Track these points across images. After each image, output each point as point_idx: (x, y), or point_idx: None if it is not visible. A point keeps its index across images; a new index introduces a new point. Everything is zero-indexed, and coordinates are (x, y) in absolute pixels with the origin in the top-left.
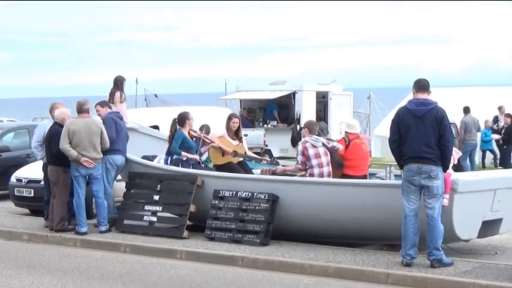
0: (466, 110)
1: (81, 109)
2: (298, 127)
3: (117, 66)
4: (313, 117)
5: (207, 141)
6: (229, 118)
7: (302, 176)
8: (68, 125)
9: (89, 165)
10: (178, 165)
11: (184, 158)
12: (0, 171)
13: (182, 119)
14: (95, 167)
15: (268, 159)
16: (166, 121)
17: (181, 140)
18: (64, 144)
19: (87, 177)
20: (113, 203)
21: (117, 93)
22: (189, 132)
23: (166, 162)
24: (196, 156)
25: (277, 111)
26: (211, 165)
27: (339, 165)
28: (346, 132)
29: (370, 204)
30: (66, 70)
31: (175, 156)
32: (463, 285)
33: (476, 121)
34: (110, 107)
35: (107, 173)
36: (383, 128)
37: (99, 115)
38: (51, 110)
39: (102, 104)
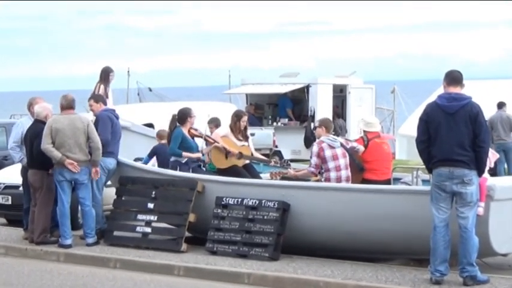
0: (500, 106)
1: (67, 104)
2: (312, 125)
3: (105, 55)
4: (330, 114)
5: (210, 140)
6: (237, 116)
7: (317, 181)
8: (51, 123)
9: (74, 169)
10: (176, 169)
11: (184, 160)
12: None
13: (183, 116)
14: (82, 170)
15: (278, 161)
16: (162, 118)
17: (180, 139)
18: (46, 144)
19: (72, 182)
20: (102, 212)
21: (99, 86)
22: (189, 131)
23: (146, 164)
24: (199, 154)
25: (291, 108)
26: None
27: (360, 168)
28: (364, 131)
29: (394, 214)
30: (46, 60)
31: (173, 158)
32: None
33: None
34: (105, 103)
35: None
36: (409, 127)
37: (93, 112)
38: (30, 106)
39: (96, 98)
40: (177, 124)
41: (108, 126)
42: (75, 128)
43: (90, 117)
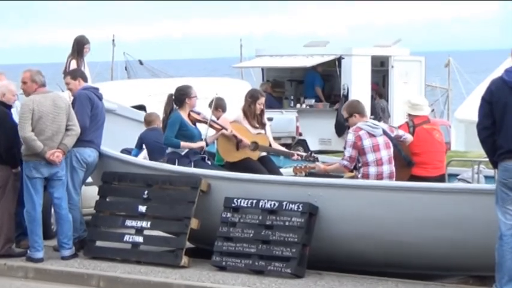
0: None
1: (41, 81)
2: None
3: (82, 20)
4: (367, 94)
5: (217, 127)
6: (253, 97)
7: (352, 177)
8: (31, 104)
9: (56, 161)
10: (174, 162)
11: (183, 152)
12: None
13: (181, 97)
14: (61, 163)
15: (303, 153)
16: (155, 99)
17: (178, 125)
18: (28, 132)
19: (44, 179)
20: (81, 217)
21: (71, 61)
22: (189, 115)
23: (136, 157)
24: (202, 143)
25: (322, 86)
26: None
27: (407, 162)
28: (409, 115)
29: (450, 219)
30: (6, 27)
31: (169, 149)
32: None
33: None
34: (86, 79)
35: (73, 173)
36: (468, 110)
37: (71, 91)
38: None
39: (73, 74)
40: (174, 106)
41: (87, 109)
42: (59, 110)
43: (66, 97)
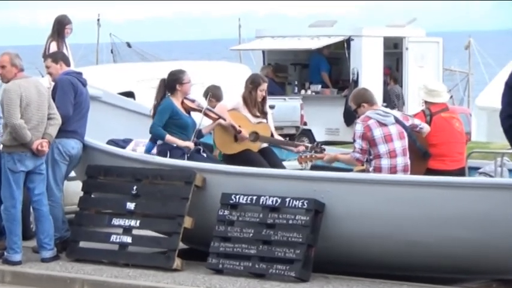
0: None
1: (20, 65)
2: None
3: None
4: (380, 78)
5: (213, 115)
6: (254, 82)
7: (362, 171)
8: (18, 89)
9: (44, 151)
10: (165, 155)
11: (175, 145)
12: None
13: (172, 83)
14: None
15: (308, 145)
16: (145, 85)
17: (169, 113)
18: (18, 119)
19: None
20: (63, 215)
21: (52, 44)
22: (182, 103)
23: (149, 152)
24: (190, 144)
25: (328, 71)
26: (215, 152)
27: (423, 153)
28: (425, 102)
29: (471, 216)
30: None
31: (160, 141)
32: None
33: None
34: (68, 63)
35: (54, 167)
36: (490, 96)
37: (51, 75)
38: None
39: (54, 57)
40: (166, 93)
41: (70, 96)
42: (42, 96)
43: (46, 83)
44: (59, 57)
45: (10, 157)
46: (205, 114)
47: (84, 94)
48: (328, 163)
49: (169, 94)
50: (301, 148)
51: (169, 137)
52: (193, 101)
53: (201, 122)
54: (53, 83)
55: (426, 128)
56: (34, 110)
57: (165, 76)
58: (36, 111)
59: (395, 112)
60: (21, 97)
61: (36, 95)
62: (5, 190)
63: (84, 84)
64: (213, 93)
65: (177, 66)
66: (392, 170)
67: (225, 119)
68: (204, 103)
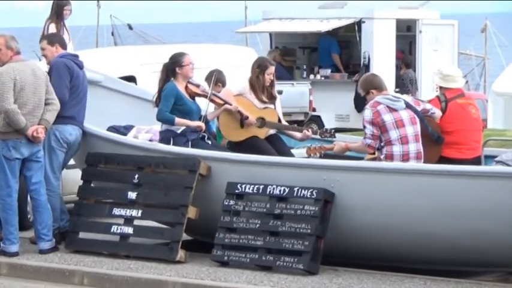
0: None
1: (16, 47)
2: None
3: None
4: (392, 62)
5: (218, 101)
6: (261, 66)
7: (373, 159)
8: (12, 73)
9: (40, 138)
10: (168, 142)
11: (179, 129)
12: None
13: (170, 66)
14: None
15: (317, 130)
16: (147, 68)
17: (173, 98)
18: (11, 104)
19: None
20: (62, 205)
21: (51, 26)
22: (186, 87)
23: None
24: (201, 124)
25: (339, 53)
26: (223, 141)
27: (436, 139)
28: (440, 87)
29: (487, 207)
30: None
31: (164, 127)
32: None
33: None
34: (64, 46)
35: (51, 155)
36: (508, 81)
37: (46, 58)
38: None
39: (50, 39)
40: (169, 77)
41: (65, 79)
42: (39, 80)
43: (44, 67)
44: (55, 39)
45: (4, 144)
46: (211, 100)
47: (81, 77)
48: (339, 153)
49: (172, 78)
50: (310, 133)
51: (178, 120)
52: (198, 85)
53: (207, 107)
54: (48, 66)
55: (438, 112)
56: (30, 94)
57: (168, 60)
58: (32, 95)
59: (406, 97)
60: (15, 81)
61: (32, 79)
62: (0, 179)
63: (81, 66)
64: (218, 78)
65: (181, 49)
66: (405, 157)
67: (231, 104)
68: (208, 88)
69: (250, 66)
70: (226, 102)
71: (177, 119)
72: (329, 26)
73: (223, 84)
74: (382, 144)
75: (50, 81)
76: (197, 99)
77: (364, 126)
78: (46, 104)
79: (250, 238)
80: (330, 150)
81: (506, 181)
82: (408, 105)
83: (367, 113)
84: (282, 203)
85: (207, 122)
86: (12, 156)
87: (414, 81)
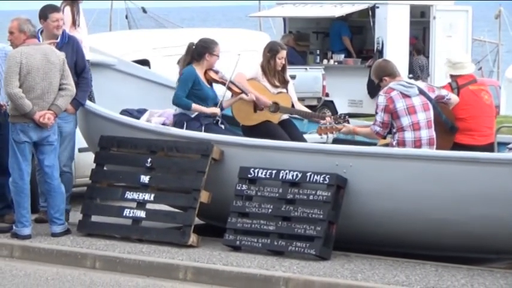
0: None
1: (30, 31)
2: None
3: None
4: (405, 48)
5: (236, 89)
6: (272, 50)
7: (386, 145)
8: (18, 56)
9: (48, 124)
10: (182, 126)
11: (194, 114)
12: None
13: (202, 50)
14: (52, 126)
15: (331, 116)
16: (161, 52)
17: (192, 83)
18: (15, 88)
19: (33, 144)
20: (70, 181)
21: (66, 9)
22: (205, 73)
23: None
24: (216, 110)
25: (350, 36)
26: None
27: (450, 127)
28: (451, 75)
29: (499, 194)
30: None
31: (178, 110)
32: None
33: None
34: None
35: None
36: None
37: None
38: None
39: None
40: (192, 60)
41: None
42: (50, 65)
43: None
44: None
45: (14, 127)
46: (229, 88)
47: (80, 61)
48: (346, 135)
49: (194, 61)
50: (327, 120)
51: (195, 106)
52: (217, 72)
53: (224, 94)
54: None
55: (454, 98)
56: (38, 78)
57: (196, 42)
58: (41, 80)
59: (420, 83)
60: (21, 64)
61: (41, 63)
62: (12, 161)
63: (77, 48)
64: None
65: (195, 33)
66: (417, 143)
67: (247, 94)
68: (228, 75)
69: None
70: (243, 91)
71: (194, 105)
72: (343, 11)
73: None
74: (394, 130)
75: (67, 67)
76: (214, 85)
77: (376, 112)
78: (60, 89)
79: (262, 223)
80: (340, 131)
81: None
82: (421, 92)
83: (381, 99)
84: (294, 188)
85: (222, 109)
86: (21, 139)
87: (425, 67)
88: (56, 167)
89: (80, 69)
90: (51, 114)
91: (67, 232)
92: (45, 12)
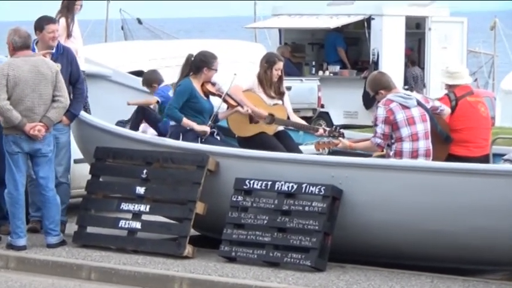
0: None
1: (22, 42)
2: None
3: None
4: (401, 60)
5: (232, 102)
6: (269, 62)
7: (382, 156)
8: (6, 69)
9: (38, 136)
10: (177, 137)
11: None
12: None
13: (200, 63)
14: (45, 138)
15: (326, 128)
16: (157, 63)
17: (188, 95)
18: (2, 101)
19: (28, 155)
20: (67, 193)
21: (61, 20)
22: (202, 86)
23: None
24: (207, 129)
25: (345, 48)
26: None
27: (445, 138)
28: (449, 86)
29: (495, 205)
30: None
31: (172, 122)
32: None
33: None
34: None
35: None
36: None
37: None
38: None
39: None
40: (190, 72)
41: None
42: (40, 76)
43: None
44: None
45: (6, 139)
46: (225, 100)
47: (74, 71)
48: (343, 150)
49: (192, 74)
50: (320, 132)
51: (185, 121)
52: (214, 84)
53: (220, 106)
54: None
55: (447, 109)
56: (27, 90)
57: (195, 54)
58: (31, 91)
59: (416, 94)
60: (8, 76)
61: (30, 74)
62: (7, 173)
63: (71, 59)
64: (154, 78)
65: (191, 44)
66: (414, 154)
67: (243, 108)
68: (225, 88)
69: (259, 62)
70: (239, 104)
71: (185, 120)
72: (338, 22)
73: (159, 83)
74: (392, 141)
75: (62, 78)
76: (211, 97)
77: (376, 125)
78: (53, 101)
79: (258, 234)
80: (337, 147)
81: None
82: (419, 103)
83: (380, 111)
84: (290, 200)
85: (217, 121)
86: (14, 150)
87: (419, 78)
88: (50, 179)
89: (74, 79)
90: (42, 126)
91: (62, 243)
92: (41, 24)
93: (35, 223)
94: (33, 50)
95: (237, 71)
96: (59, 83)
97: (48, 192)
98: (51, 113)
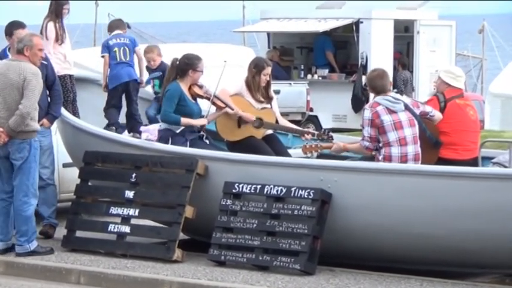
0: None
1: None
2: (363, 80)
3: None
4: (390, 63)
5: (220, 104)
6: (258, 66)
7: (370, 158)
8: None
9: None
10: (166, 141)
11: (179, 129)
12: None
13: (185, 66)
14: (13, 143)
15: (315, 132)
16: (144, 68)
17: (177, 99)
18: None
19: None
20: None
21: (49, 24)
22: (190, 88)
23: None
24: (204, 121)
25: (333, 51)
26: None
27: (434, 142)
28: (439, 85)
29: (483, 208)
30: None
31: (163, 126)
32: None
33: None
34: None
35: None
36: (505, 83)
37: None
38: None
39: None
40: (177, 76)
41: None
42: (7, 81)
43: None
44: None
45: None
46: (213, 103)
47: (51, 77)
48: (336, 153)
49: (177, 78)
50: (309, 136)
51: (184, 120)
52: (201, 86)
53: (209, 109)
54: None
55: (438, 115)
56: None
57: (179, 58)
58: None
59: (405, 98)
60: None
61: None
62: None
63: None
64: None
65: (179, 48)
66: (403, 158)
67: (232, 108)
68: (212, 90)
69: (247, 66)
70: (227, 106)
71: (183, 119)
72: (327, 26)
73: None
74: (380, 145)
75: (32, 86)
76: (198, 99)
77: (363, 127)
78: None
79: (247, 238)
80: (327, 149)
81: (502, 182)
82: (407, 107)
83: (367, 113)
84: (279, 203)
85: (207, 123)
86: None
87: (409, 81)
88: (21, 189)
89: (50, 81)
90: (2, 131)
91: (50, 252)
92: (10, 29)
93: (48, 227)
94: (6, 55)
95: (225, 74)
96: (26, 90)
97: (15, 201)
98: (10, 120)
